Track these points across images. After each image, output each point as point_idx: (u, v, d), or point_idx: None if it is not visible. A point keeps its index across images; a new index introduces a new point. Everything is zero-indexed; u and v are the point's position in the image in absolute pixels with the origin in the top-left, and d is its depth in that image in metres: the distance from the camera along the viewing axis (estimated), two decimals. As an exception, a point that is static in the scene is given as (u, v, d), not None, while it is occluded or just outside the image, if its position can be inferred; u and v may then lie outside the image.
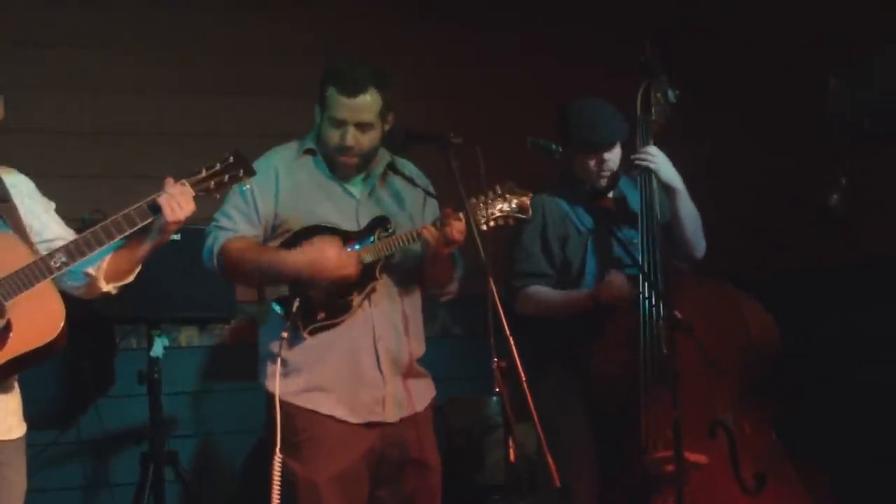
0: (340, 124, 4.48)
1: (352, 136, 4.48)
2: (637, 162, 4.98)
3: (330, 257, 4.39)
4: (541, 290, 5.00)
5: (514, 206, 4.46)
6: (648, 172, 4.96)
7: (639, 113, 5.05)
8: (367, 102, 4.47)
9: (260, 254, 4.51)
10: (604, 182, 5.05)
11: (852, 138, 5.73)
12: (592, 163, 5.00)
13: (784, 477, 4.82)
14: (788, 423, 4.96)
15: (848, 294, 5.92)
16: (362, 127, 4.48)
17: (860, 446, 5.68)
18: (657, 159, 4.98)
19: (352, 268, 4.42)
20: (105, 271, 4.09)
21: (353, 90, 4.45)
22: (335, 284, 4.43)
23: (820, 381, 5.87)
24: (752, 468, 4.79)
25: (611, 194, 5.14)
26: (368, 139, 4.51)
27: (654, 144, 5.03)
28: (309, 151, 4.62)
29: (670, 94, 5.05)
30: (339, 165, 4.57)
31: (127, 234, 3.94)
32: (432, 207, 4.67)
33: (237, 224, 4.54)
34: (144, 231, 4.00)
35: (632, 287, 4.82)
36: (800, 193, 6.03)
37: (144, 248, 4.06)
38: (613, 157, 5.01)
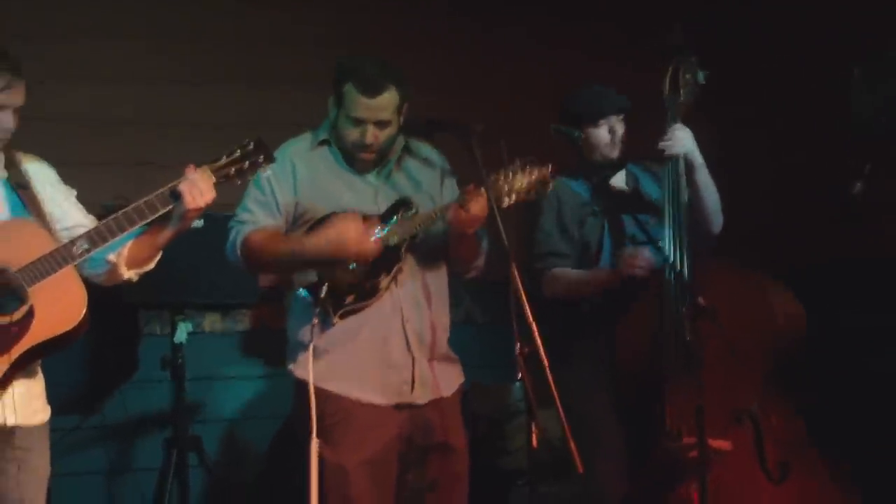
0: (359, 123, 4.48)
1: (371, 134, 4.48)
2: (670, 148, 4.94)
3: (351, 235, 4.38)
4: (565, 271, 5.00)
5: (534, 178, 4.43)
6: (678, 158, 4.94)
7: (666, 93, 5.03)
8: (386, 101, 4.46)
9: (281, 242, 4.52)
10: (615, 154, 5.05)
11: (874, 132, 5.69)
12: (605, 130, 5.00)
13: (809, 465, 4.81)
14: (815, 412, 4.94)
15: (869, 288, 5.90)
16: (381, 125, 4.49)
17: (883, 437, 5.65)
18: (684, 142, 4.95)
19: (373, 244, 4.42)
20: (126, 258, 4.10)
21: (373, 90, 4.44)
22: (361, 267, 4.42)
23: (844, 372, 5.84)
24: (777, 456, 4.78)
25: (622, 180, 5.13)
26: (386, 135, 4.52)
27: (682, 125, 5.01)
28: (324, 142, 4.62)
29: (700, 75, 5.01)
30: (357, 160, 4.58)
31: (148, 220, 3.94)
32: (451, 187, 4.67)
33: (257, 216, 4.55)
34: (165, 218, 4.00)
35: (653, 256, 4.80)
36: (819, 186, 6.00)
37: (165, 235, 4.06)
38: (623, 128, 5.03)
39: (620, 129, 5.06)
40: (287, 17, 6.42)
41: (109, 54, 6.06)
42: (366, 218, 4.47)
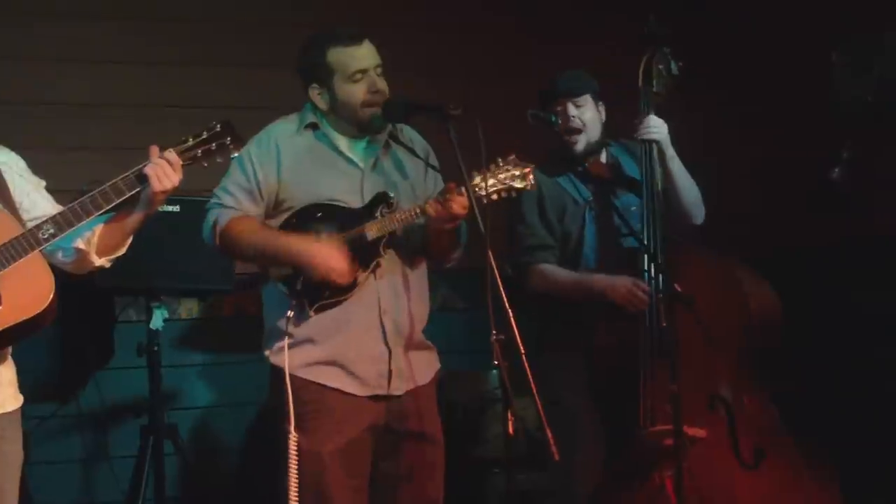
0: (363, 74, 4.44)
1: (380, 81, 4.46)
2: (642, 136, 4.95)
3: (332, 264, 4.36)
4: (553, 270, 4.99)
5: (516, 177, 4.43)
6: (651, 143, 4.94)
7: (640, 83, 5.03)
8: (372, 48, 4.47)
9: (262, 238, 4.47)
10: (578, 145, 5.02)
11: (855, 115, 5.70)
12: (559, 110, 4.98)
13: (783, 452, 4.82)
14: (790, 400, 4.95)
15: (852, 272, 5.90)
16: (378, 69, 4.47)
17: (863, 425, 5.67)
18: (661, 130, 4.96)
19: (350, 279, 4.40)
20: (96, 245, 4.05)
21: (358, 39, 4.45)
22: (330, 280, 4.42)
23: (823, 360, 5.85)
24: (751, 443, 4.79)
25: (603, 160, 5.12)
26: (384, 82, 4.49)
27: (656, 115, 5.01)
28: (311, 126, 4.59)
29: (673, 65, 5.03)
30: (368, 119, 4.50)
31: (115, 204, 3.91)
32: (434, 176, 4.65)
33: (240, 202, 4.49)
34: (133, 202, 3.97)
35: (645, 293, 4.80)
36: (802, 170, 6.01)
37: (134, 220, 4.02)
38: (581, 114, 5.00)
39: (577, 114, 5.01)
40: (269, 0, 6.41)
41: (86, 37, 6.04)
42: (347, 216, 4.46)
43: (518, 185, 4.40)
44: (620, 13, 6.27)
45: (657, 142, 4.94)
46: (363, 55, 4.45)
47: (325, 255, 4.37)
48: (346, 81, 4.47)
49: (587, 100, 5.02)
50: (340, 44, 4.44)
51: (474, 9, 6.72)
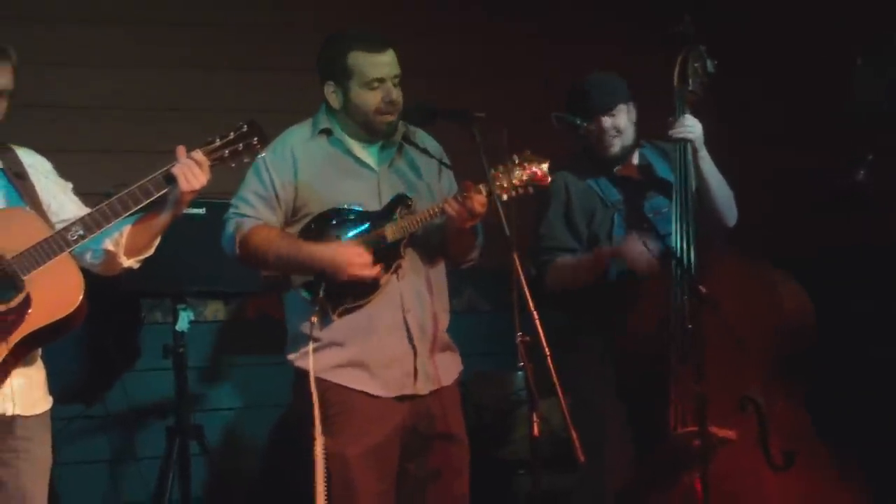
0: (379, 83, 4.45)
1: (395, 92, 4.47)
2: (676, 135, 4.94)
3: (356, 266, 4.37)
4: (562, 259, 4.98)
5: (532, 173, 4.43)
6: (686, 143, 4.92)
7: (676, 83, 5.01)
8: (394, 57, 4.48)
9: (284, 246, 4.48)
10: (613, 150, 5.02)
11: (878, 118, 5.67)
12: (592, 128, 4.97)
13: (814, 454, 4.79)
14: (821, 402, 4.93)
15: (877, 275, 5.88)
16: (395, 80, 4.48)
17: (890, 427, 5.64)
18: (696, 129, 4.94)
19: (376, 273, 4.41)
20: (125, 246, 4.08)
21: (381, 46, 4.46)
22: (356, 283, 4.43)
23: (851, 362, 5.83)
24: (781, 445, 4.76)
25: (636, 161, 5.11)
26: (400, 93, 4.50)
27: (690, 115, 5.00)
28: (324, 132, 4.59)
29: (709, 64, 5.01)
30: (379, 126, 4.52)
31: (143, 205, 3.93)
32: (447, 176, 4.67)
33: (258, 210, 4.51)
34: (161, 203, 3.98)
35: (651, 253, 4.78)
36: (827, 173, 5.98)
37: (162, 220, 4.04)
38: (616, 122, 4.99)
39: (615, 125, 4.99)
40: (286, 2, 6.40)
41: (112, 40, 6.05)
42: (367, 219, 4.47)
43: (535, 182, 4.41)
44: (630, 12, 6.29)
45: (691, 141, 4.92)
46: (383, 64, 4.46)
47: (349, 255, 4.38)
48: (362, 87, 4.47)
49: (620, 107, 5.01)
50: (363, 48, 4.45)
51: (480, 9, 6.71)
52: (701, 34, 5.02)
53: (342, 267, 4.36)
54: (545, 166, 4.43)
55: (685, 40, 5.02)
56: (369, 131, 4.55)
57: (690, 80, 5.00)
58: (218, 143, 4.02)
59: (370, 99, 4.48)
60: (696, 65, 5.00)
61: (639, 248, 4.78)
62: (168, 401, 5.71)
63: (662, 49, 5.04)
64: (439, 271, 4.65)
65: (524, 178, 4.41)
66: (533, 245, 5.03)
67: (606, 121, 4.98)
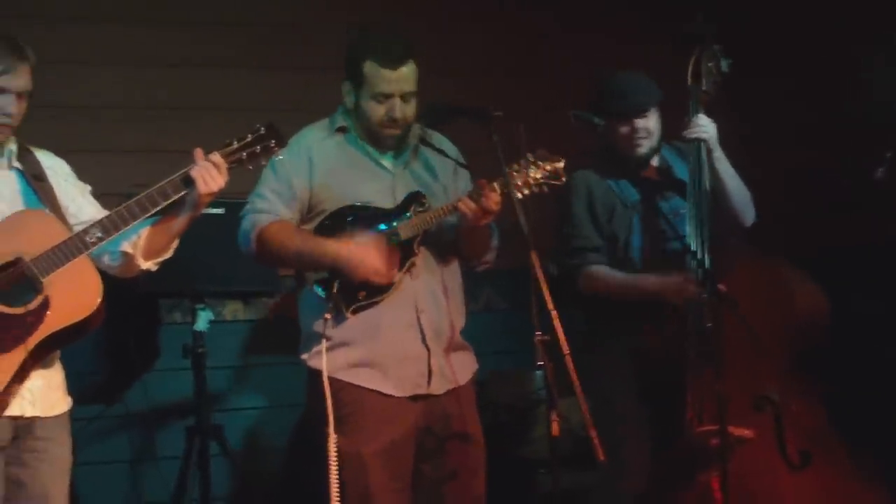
0: (386, 98, 4.46)
1: (399, 108, 4.46)
2: (690, 135, 4.93)
3: (371, 263, 4.38)
4: (604, 272, 4.96)
5: (547, 171, 4.43)
6: (700, 142, 4.91)
7: (689, 82, 5.00)
8: (409, 72, 4.46)
9: (299, 243, 4.49)
10: (641, 150, 5.01)
11: (888, 116, 5.65)
12: (625, 130, 4.96)
13: (831, 454, 4.78)
14: (839, 401, 4.91)
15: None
16: (405, 97, 4.47)
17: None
18: (709, 129, 4.93)
19: (389, 278, 4.42)
20: (143, 248, 4.09)
21: (396, 62, 4.43)
22: (371, 280, 4.43)
23: (868, 361, 5.81)
24: (798, 444, 4.76)
25: (655, 163, 5.10)
26: (411, 108, 4.50)
27: (704, 115, 4.99)
28: (341, 129, 4.60)
29: (723, 63, 5.00)
30: (383, 138, 4.55)
31: (161, 207, 3.94)
32: (464, 177, 4.67)
33: (274, 206, 4.52)
34: (179, 205, 4.00)
35: (698, 289, 4.77)
36: (842, 171, 5.97)
37: (180, 223, 4.06)
38: (647, 124, 4.98)
39: (645, 126, 4.98)
40: (308, 2, 6.41)
41: (128, 40, 6.05)
42: (381, 215, 4.48)
43: (549, 181, 4.41)
44: (657, 10, 6.28)
45: (705, 141, 4.91)
46: (393, 80, 4.45)
47: (363, 255, 4.38)
48: (370, 97, 4.48)
49: (653, 110, 5.00)
50: (377, 61, 4.44)
51: (496, 5, 6.71)
52: (715, 33, 5.01)
53: (356, 266, 4.37)
54: (560, 165, 4.44)
55: (699, 39, 5.01)
56: (373, 140, 4.56)
57: (704, 80, 5.00)
58: (236, 145, 4.03)
59: (376, 110, 4.49)
60: (709, 64, 5.00)
61: (685, 291, 4.77)
62: (188, 401, 5.72)
63: (676, 47, 5.03)
64: (454, 272, 4.66)
65: (539, 176, 4.42)
66: (560, 244, 5.03)
67: (639, 122, 4.97)
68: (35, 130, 4.14)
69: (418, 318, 4.51)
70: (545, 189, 4.44)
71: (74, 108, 5.85)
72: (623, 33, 6.55)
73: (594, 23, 6.66)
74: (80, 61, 5.91)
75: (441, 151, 4.63)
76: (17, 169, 4.02)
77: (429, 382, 4.52)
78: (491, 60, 6.57)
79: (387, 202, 4.52)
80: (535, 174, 4.41)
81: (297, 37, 6.32)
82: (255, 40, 6.29)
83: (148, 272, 4.16)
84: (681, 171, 5.06)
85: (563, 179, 4.47)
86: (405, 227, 4.45)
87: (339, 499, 4.31)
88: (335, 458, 4.33)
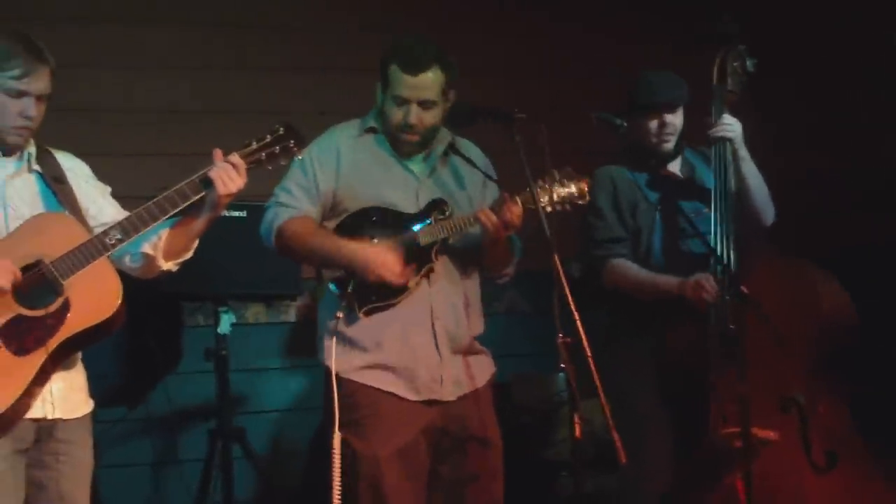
0: (403, 102, 4.47)
1: (415, 115, 4.47)
2: (717, 134, 4.92)
3: (385, 263, 4.38)
4: (627, 267, 4.96)
5: (571, 190, 4.46)
6: (726, 142, 4.90)
7: (714, 82, 5.00)
8: (430, 80, 4.46)
9: (318, 239, 4.51)
10: (667, 146, 5.01)
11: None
12: (654, 124, 4.96)
13: (856, 455, 4.76)
14: (864, 403, 4.89)
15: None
16: (424, 104, 4.47)
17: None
18: (735, 128, 4.92)
19: (403, 281, 4.42)
20: (163, 249, 4.09)
21: (416, 68, 4.44)
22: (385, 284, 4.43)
23: (892, 361, 5.77)
24: (824, 446, 4.74)
25: (678, 164, 5.10)
26: (430, 116, 4.50)
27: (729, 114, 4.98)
28: (371, 130, 4.62)
29: (748, 63, 4.99)
30: (401, 143, 4.57)
31: (180, 208, 3.94)
32: (492, 189, 4.66)
33: (299, 201, 4.54)
34: (198, 206, 4.00)
35: (719, 290, 4.75)
36: (870, 167, 5.95)
37: (200, 223, 4.06)
38: (675, 121, 4.98)
39: (674, 123, 4.99)
40: (345, 3, 6.41)
41: (149, 43, 6.07)
42: (402, 219, 4.48)
43: (573, 200, 4.43)
44: (681, 12, 6.27)
45: (731, 140, 4.90)
46: (411, 86, 4.46)
47: (379, 257, 4.39)
48: (390, 100, 4.51)
49: (680, 108, 5.00)
50: (400, 66, 4.46)
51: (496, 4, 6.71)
52: (741, 33, 5.00)
53: (372, 268, 4.37)
54: (584, 186, 4.46)
55: (724, 39, 5.00)
56: (393, 143, 4.57)
57: (729, 80, 4.99)
58: (255, 145, 4.04)
59: (394, 113, 4.51)
60: (735, 64, 5.00)
61: (702, 290, 4.75)
62: (210, 404, 5.72)
63: (703, 48, 5.02)
64: (474, 282, 4.66)
65: (564, 193, 4.43)
66: (585, 236, 5.03)
67: (668, 117, 4.97)
68: (53, 132, 4.14)
69: (433, 325, 4.51)
70: (567, 208, 4.46)
71: (100, 112, 5.86)
72: (647, 33, 6.54)
73: (597, 23, 6.66)
74: (106, 65, 5.93)
75: (470, 161, 4.62)
76: (37, 171, 4.02)
77: (441, 388, 4.52)
78: (513, 60, 6.57)
79: (410, 206, 4.53)
80: (561, 192, 4.43)
81: (324, 39, 6.32)
82: (280, 43, 6.30)
83: (169, 273, 4.16)
84: (703, 172, 5.05)
85: (588, 199, 4.47)
86: (424, 233, 4.46)
87: (339, 497, 4.30)
88: (339, 456, 4.33)
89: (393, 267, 4.39)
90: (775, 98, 6.22)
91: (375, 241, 4.46)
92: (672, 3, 6.59)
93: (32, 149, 4.03)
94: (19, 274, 3.79)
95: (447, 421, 4.52)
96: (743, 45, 5.01)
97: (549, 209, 4.39)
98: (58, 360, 3.85)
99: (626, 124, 4.83)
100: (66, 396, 3.94)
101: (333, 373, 4.41)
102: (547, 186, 4.43)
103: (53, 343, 3.79)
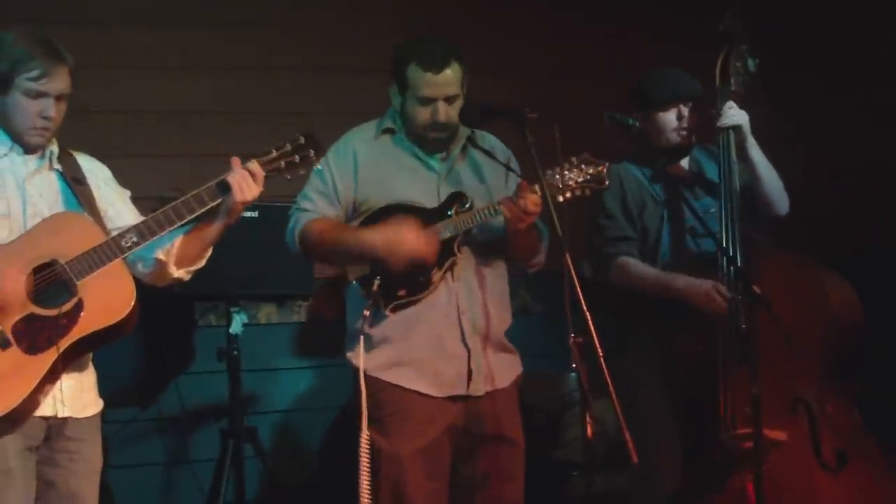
0: (429, 101, 4.47)
1: (443, 112, 4.47)
2: (724, 122, 4.91)
3: (406, 237, 4.38)
4: (635, 264, 4.96)
5: (589, 176, 4.43)
6: (732, 129, 4.90)
7: (718, 82, 5.00)
8: (452, 75, 4.47)
9: (338, 233, 4.53)
10: (686, 140, 5.00)
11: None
12: (673, 115, 4.96)
13: (866, 455, 4.76)
14: (874, 402, 4.88)
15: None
16: (450, 100, 4.48)
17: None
18: (742, 116, 4.92)
19: (429, 249, 4.41)
20: (176, 256, 4.10)
21: (439, 66, 4.44)
22: (413, 263, 4.41)
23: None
24: (833, 446, 4.73)
25: (687, 162, 5.09)
26: (455, 110, 4.51)
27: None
28: (388, 131, 4.62)
29: (750, 63, 4.99)
30: (430, 141, 4.56)
31: (197, 214, 3.95)
32: (515, 181, 4.64)
33: (317, 205, 4.56)
34: (213, 213, 4.00)
35: (724, 299, 4.75)
36: (884, 168, 5.94)
37: (214, 230, 4.06)
38: (690, 116, 4.98)
39: (687, 113, 4.99)
40: (360, 5, 6.42)
41: (165, 44, 6.07)
42: (423, 215, 4.47)
43: (592, 185, 4.40)
44: (691, 11, 6.26)
45: (738, 127, 4.90)
46: (435, 83, 4.46)
47: (404, 234, 4.38)
48: (414, 101, 4.50)
49: (693, 104, 5.01)
50: (420, 65, 4.46)
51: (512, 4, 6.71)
52: (743, 32, 5.00)
53: (397, 246, 4.37)
54: (602, 169, 4.43)
55: (727, 37, 5.00)
56: (420, 143, 4.57)
57: (732, 79, 4.98)
58: (274, 154, 4.04)
59: (420, 113, 4.50)
60: (737, 63, 4.99)
61: (713, 301, 4.75)
62: (222, 403, 5.73)
63: (707, 47, 5.02)
64: (499, 274, 4.65)
65: (580, 180, 4.41)
66: (593, 235, 5.03)
67: (685, 110, 4.97)
68: (72, 133, 4.15)
69: (459, 319, 4.51)
70: (587, 193, 4.44)
71: (116, 113, 5.87)
72: (658, 30, 6.55)
73: (609, 22, 6.66)
74: (123, 66, 5.94)
75: (490, 154, 4.62)
76: (58, 170, 4.04)
77: (468, 383, 4.52)
78: (526, 59, 6.58)
79: (431, 202, 4.53)
80: (578, 177, 4.41)
81: (344, 40, 6.32)
82: (298, 43, 6.30)
83: (180, 281, 4.16)
84: (712, 171, 5.05)
85: (607, 184, 4.46)
86: (445, 226, 4.45)
87: (368, 495, 4.31)
88: (367, 454, 4.34)
89: (415, 244, 4.37)
90: (793, 96, 6.24)
91: (391, 222, 4.44)
92: (685, 1, 6.57)
93: (55, 147, 4.05)
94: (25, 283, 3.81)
95: (468, 420, 4.52)
96: (745, 44, 5.01)
97: (567, 195, 4.38)
98: (69, 360, 3.85)
99: (638, 124, 4.83)
100: (77, 395, 3.96)
101: (361, 371, 4.42)
102: (564, 173, 4.40)
103: (65, 343, 3.80)
